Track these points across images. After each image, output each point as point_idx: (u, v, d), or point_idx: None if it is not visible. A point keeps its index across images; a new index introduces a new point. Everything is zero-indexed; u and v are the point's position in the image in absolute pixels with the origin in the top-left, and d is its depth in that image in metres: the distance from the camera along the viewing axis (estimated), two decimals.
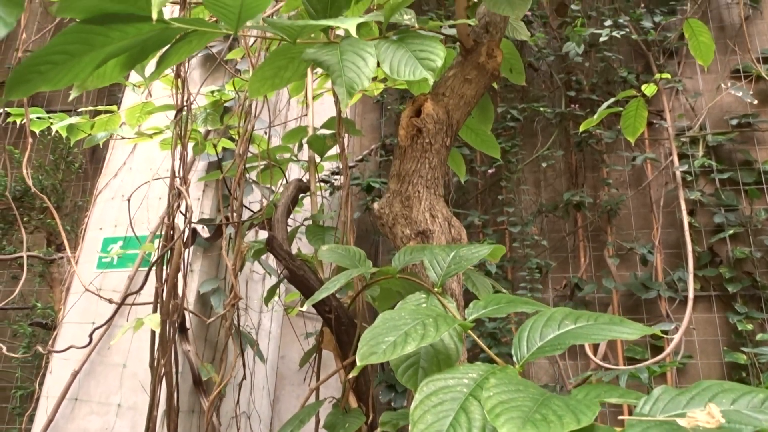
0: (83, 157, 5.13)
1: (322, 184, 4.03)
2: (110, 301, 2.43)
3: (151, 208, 3.07)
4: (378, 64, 0.93)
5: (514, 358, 0.77)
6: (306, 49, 0.83)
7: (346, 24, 0.61)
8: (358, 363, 0.74)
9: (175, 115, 1.63)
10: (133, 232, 2.43)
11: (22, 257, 3.58)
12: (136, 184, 3.14)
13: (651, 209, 4.30)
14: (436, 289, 0.96)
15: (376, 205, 1.30)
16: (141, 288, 2.51)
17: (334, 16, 0.84)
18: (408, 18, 1.09)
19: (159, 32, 0.70)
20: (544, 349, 0.75)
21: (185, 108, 1.59)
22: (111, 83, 0.77)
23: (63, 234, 2.19)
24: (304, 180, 1.68)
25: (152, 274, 2.54)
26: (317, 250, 1.30)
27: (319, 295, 1.00)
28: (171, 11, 2.49)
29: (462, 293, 1.25)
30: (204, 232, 2.82)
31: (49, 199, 4.44)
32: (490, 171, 4.53)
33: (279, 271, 1.27)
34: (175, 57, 0.81)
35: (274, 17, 1.44)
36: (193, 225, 2.07)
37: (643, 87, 2.33)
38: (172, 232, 1.62)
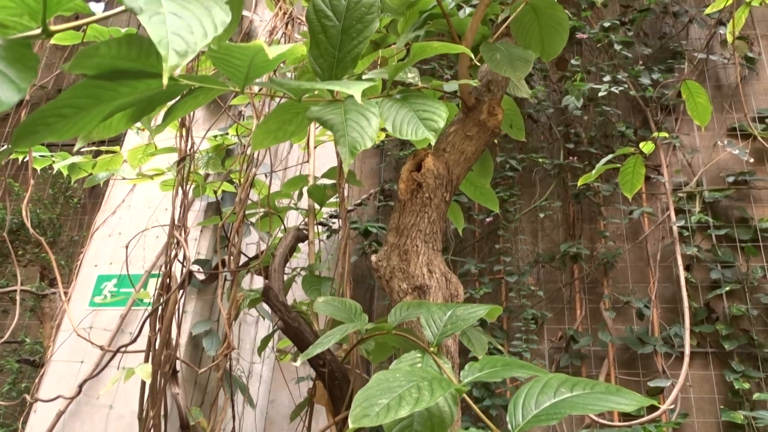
0: (82, 191, 5.14)
1: (320, 227, 4.03)
2: (102, 348, 2.39)
3: (147, 247, 3.06)
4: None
5: (509, 425, 0.76)
6: (311, 107, 0.84)
7: (352, 90, 0.62)
8: (350, 425, 0.73)
9: (178, 163, 1.64)
10: (128, 271, 2.41)
11: (14, 291, 3.55)
12: (135, 221, 3.15)
13: (648, 263, 4.30)
14: (431, 349, 0.95)
15: (374, 257, 1.29)
16: (134, 340, 2.46)
17: (340, 75, 0.86)
18: (412, 76, 1.10)
19: (168, 88, 0.71)
20: (539, 418, 0.74)
21: (188, 157, 1.61)
22: (117, 134, 0.77)
23: (57, 271, 2.18)
24: (303, 228, 1.68)
25: (144, 316, 2.52)
26: (313, 301, 1.29)
27: (314, 350, 0.98)
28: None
29: (457, 350, 1.23)
30: (200, 273, 2.80)
31: (46, 233, 4.43)
32: (487, 219, 4.54)
33: (273, 320, 1.26)
34: (182, 110, 0.81)
35: (281, 66, 1.47)
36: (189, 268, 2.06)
37: (641, 145, 2.36)
38: (168, 281, 1.61)
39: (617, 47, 4.60)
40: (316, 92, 0.93)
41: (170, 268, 1.60)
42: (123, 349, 2.41)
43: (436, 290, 1.21)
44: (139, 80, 0.67)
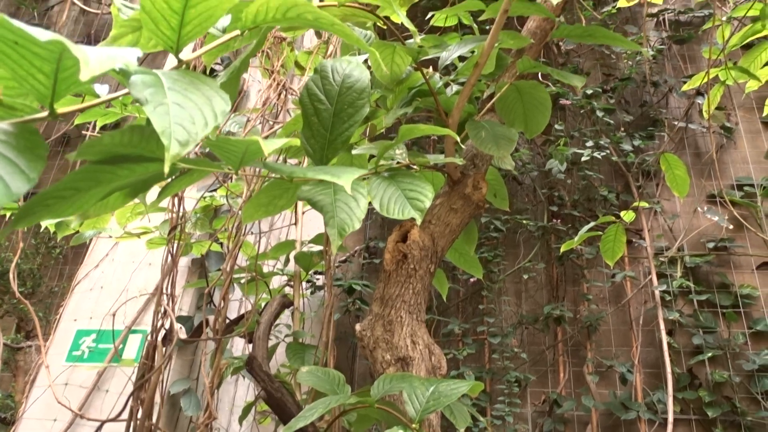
0: (64, 242, 5.10)
1: (304, 283, 4.02)
2: (79, 415, 2.33)
3: (129, 302, 3.03)
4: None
5: None
6: (301, 186, 0.87)
7: (342, 180, 0.65)
8: None
9: (169, 233, 1.66)
10: (113, 327, 2.38)
11: None
12: (118, 275, 3.12)
13: (630, 327, 4.32)
14: (414, 425, 0.95)
15: (358, 327, 1.30)
16: (119, 415, 2.37)
17: (331, 156, 0.89)
18: (399, 153, 1.14)
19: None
20: None
21: (179, 226, 1.63)
22: (113, 211, 0.79)
23: (37, 325, 2.15)
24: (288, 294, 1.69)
25: (120, 374, 2.47)
26: (296, 370, 1.29)
27: (297, 423, 0.98)
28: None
29: (440, 423, 1.23)
30: (181, 332, 2.77)
31: (25, 283, 4.37)
32: (471, 280, 4.56)
33: (256, 388, 1.25)
34: (177, 187, 0.84)
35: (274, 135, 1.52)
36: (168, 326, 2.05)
37: (622, 213, 2.41)
38: (154, 353, 1.60)
39: (599, 114, 4.74)
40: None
41: (156, 338, 1.59)
42: (101, 415, 2.34)
43: (419, 362, 1.21)
44: (137, 164, 0.69)
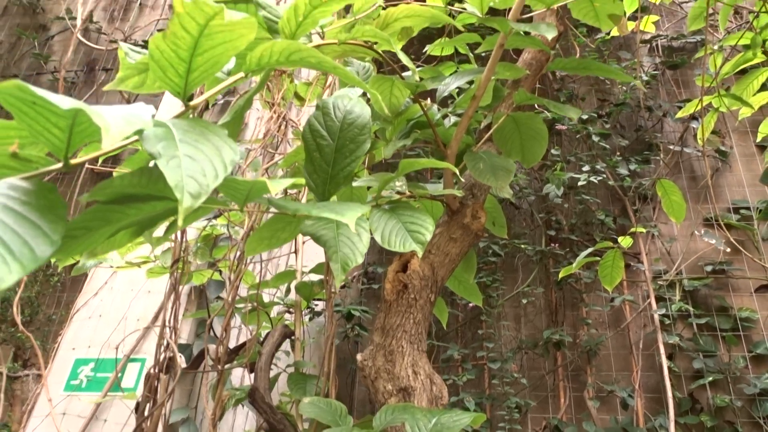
0: (63, 269, 5.10)
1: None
2: None
3: (128, 330, 3.03)
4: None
5: None
6: (304, 221, 0.88)
7: (346, 218, 0.66)
8: None
9: (172, 265, 1.68)
10: (117, 355, 2.37)
11: None
12: (116, 304, 3.12)
13: (630, 351, 4.31)
14: None
15: (359, 357, 1.31)
16: None
17: (333, 190, 0.91)
18: (399, 184, 1.16)
19: (170, 206, 0.75)
20: None
21: (181, 260, 1.64)
22: (120, 248, 0.81)
23: (39, 355, 2.14)
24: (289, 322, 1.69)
25: (119, 404, 2.46)
26: (298, 400, 1.30)
27: None
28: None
29: None
30: (181, 360, 2.77)
31: (23, 311, 4.36)
32: (470, 305, 4.56)
33: (258, 420, 1.24)
34: (183, 223, 0.85)
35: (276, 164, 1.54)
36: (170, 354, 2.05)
37: (620, 239, 2.43)
38: (157, 387, 1.60)
39: (595, 138, 4.79)
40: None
41: (159, 371, 1.60)
42: None
43: (421, 392, 1.22)
44: (145, 203, 0.71)
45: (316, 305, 4.25)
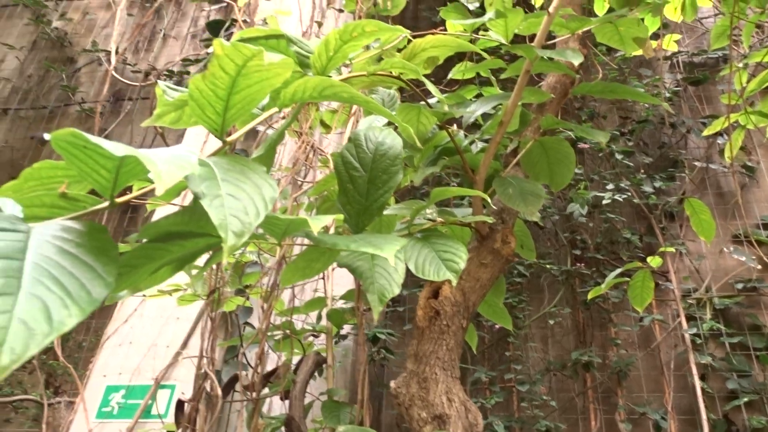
0: None
1: None
2: None
3: (158, 357, 3.05)
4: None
5: None
6: (340, 252, 0.90)
7: (385, 252, 0.67)
8: None
9: (208, 295, 1.70)
10: (159, 384, 2.38)
11: (18, 400, 3.50)
12: (146, 330, 3.16)
13: (661, 372, 4.23)
14: None
15: (393, 384, 1.31)
16: None
17: (367, 222, 0.92)
18: (430, 212, 1.17)
19: (211, 241, 0.77)
20: None
21: (217, 290, 1.67)
22: (161, 283, 0.83)
23: (78, 381, 2.17)
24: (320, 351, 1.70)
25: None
26: (332, 429, 1.30)
27: None
28: None
29: None
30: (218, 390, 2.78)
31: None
32: (496, 326, 4.52)
33: None
34: (221, 256, 0.87)
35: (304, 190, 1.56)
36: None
37: (648, 259, 2.40)
38: (196, 417, 1.61)
39: (618, 156, 4.76)
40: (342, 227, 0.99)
41: (198, 402, 1.61)
42: None
43: (456, 420, 1.21)
44: (188, 240, 0.72)
45: (341, 328, 4.25)
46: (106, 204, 0.64)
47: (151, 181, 0.78)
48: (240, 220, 0.56)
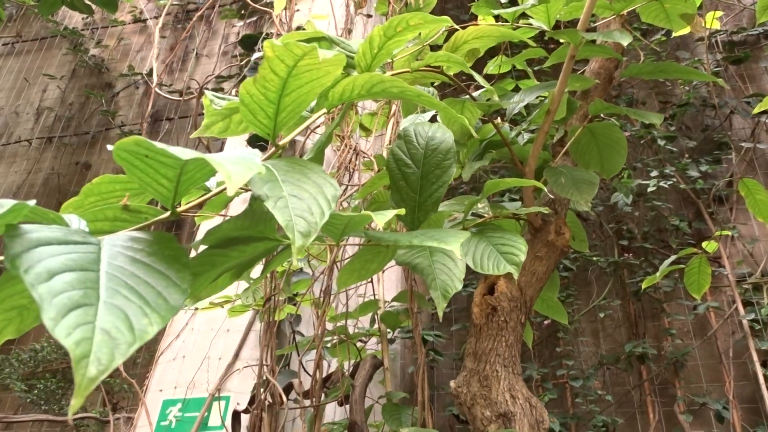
0: None
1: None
2: None
3: (211, 369, 3.09)
4: None
5: None
6: (398, 251, 0.88)
7: (450, 245, 0.66)
8: None
9: (264, 304, 1.71)
10: (219, 396, 2.41)
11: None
12: (198, 344, 3.20)
13: (720, 360, 4.10)
14: None
15: (453, 383, 1.29)
16: None
17: (422, 218, 0.90)
18: (482, 207, 1.15)
19: (268, 245, 0.77)
20: None
21: (273, 297, 1.67)
22: (222, 290, 0.82)
23: (142, 397, 2.21)
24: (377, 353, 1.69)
25: None
26: (396, 431, 1.28)
27: None
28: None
29: None
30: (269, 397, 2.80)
31: None
32: (545, 322, 4.45)
33: None
34: (278, 263, 0.86)
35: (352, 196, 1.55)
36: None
37: (703, 244, 2.33)
38: (260, 426, 1.62)
39: (661, 142, 4.64)
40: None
41: (261, 412, 1.62)
42: None
43: (521, 417, 1.18)
44: (247, 245, 0.72)
45: (388, 331, 4.24)
46: (167, 214, 0.65)
47: (207, 190, 0.78)
48: (305, 219, 0.56)
